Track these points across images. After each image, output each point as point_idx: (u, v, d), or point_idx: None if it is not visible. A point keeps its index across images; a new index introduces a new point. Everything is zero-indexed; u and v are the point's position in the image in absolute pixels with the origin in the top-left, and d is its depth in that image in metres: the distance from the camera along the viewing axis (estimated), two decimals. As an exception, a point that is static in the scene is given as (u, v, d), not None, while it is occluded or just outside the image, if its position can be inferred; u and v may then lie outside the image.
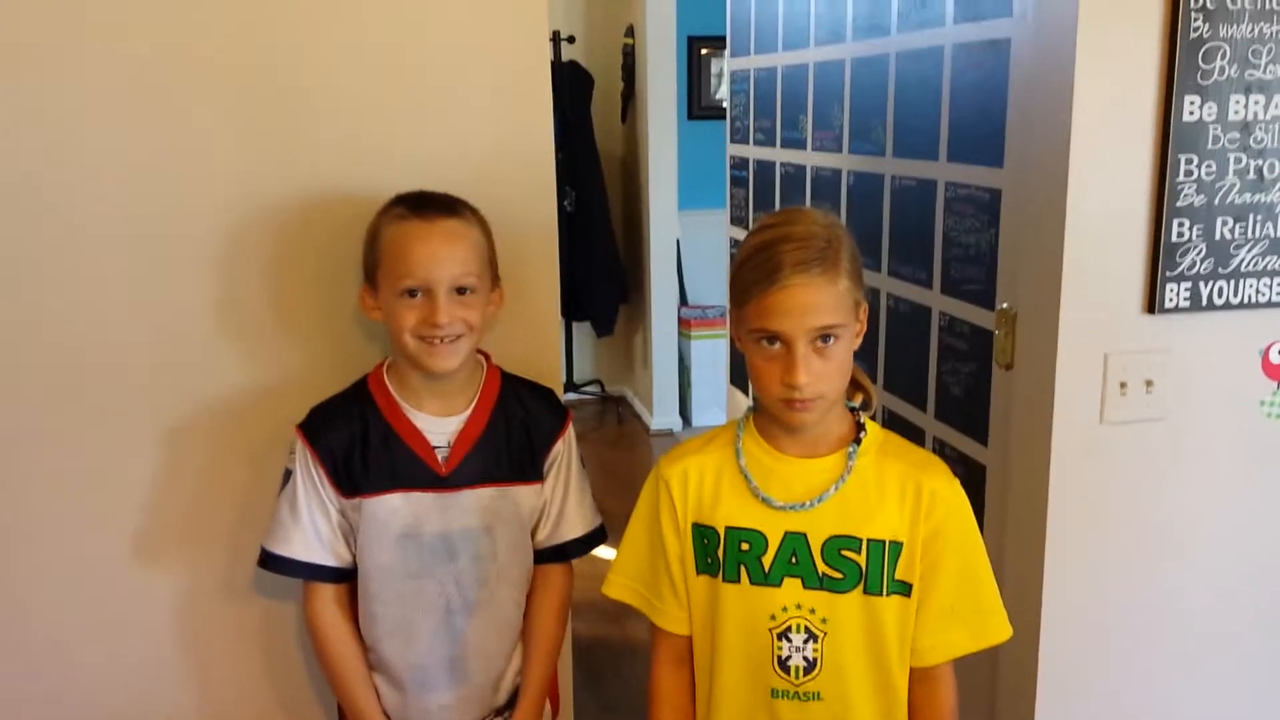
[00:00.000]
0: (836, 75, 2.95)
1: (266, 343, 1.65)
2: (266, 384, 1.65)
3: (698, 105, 5.68)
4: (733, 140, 3.88)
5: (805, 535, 1.37)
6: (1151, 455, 1.88)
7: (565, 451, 1.61)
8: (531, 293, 1.75)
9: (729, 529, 1.39)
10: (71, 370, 1.60)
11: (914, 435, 2.56)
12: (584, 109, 5.10)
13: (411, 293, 1.44)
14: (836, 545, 1.37)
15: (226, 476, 1.67)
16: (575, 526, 1.62)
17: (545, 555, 1.62)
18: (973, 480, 2.27)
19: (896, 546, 1.37)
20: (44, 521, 1.64)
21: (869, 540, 1.37)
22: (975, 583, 1.41)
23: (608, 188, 5.26)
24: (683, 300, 5.40)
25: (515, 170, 1.69)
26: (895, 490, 1.38)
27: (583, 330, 5.43)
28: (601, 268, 5.11)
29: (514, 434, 1.56)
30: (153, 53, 1.55)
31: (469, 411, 1.54)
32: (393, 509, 1.51)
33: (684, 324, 5.25)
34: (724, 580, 1.40)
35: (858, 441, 1.40)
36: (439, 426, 1.53)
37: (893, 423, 2.70)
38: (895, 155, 2.66)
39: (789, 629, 1.38)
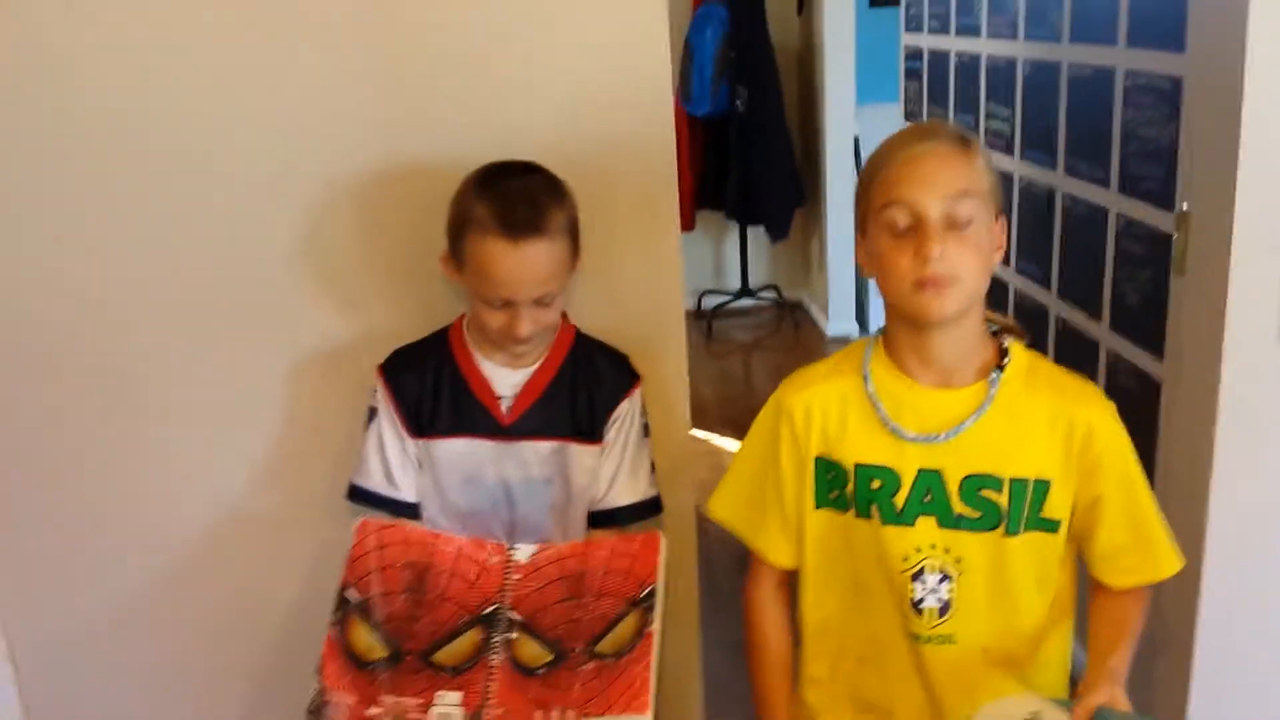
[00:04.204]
0: (1010, -46, 2.72)
1: (367, 289, 1.69)
2: (364, 330, 1.69)
3: (881, -9, 5.37)
4: (908, 29, 3.66)
5: (940, 473, 1.27)
6: (1342, 375, 1.68)
7: (628, 416, 1.58)
8: (649, 206, 1.69)
9: (859, 466, 1.30)
10: (198, 308, 1.69)
11: (1087, 348, 2.40)
12: (758, 3, 4.91)
13: (495, 301, 1.45)
14: (975, 484, 1.27)
15: (332, 412, 1.72)
16: (626, 493, 1.58)
17: (596, 520, 1.59)
18: (1146, 397, 2.10)
19: (1043, 485, 1.26)
20: (172, 446, 1.74)
21: (1012, 479, 1.26)
22: (1140, 518, 1.29)
23: (784, 84, 5.08)
24: (862, 200, 5.20)
25: (629, 80, 1.63)
26: (1045, 423, 1.27)
27: (757, 234, 5.32)
28: (775, 169, 4.96)
29: (579, 393, 1.56)
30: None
31: (537, 366, 1.55)
32: (457, 452, 1.55)
33: (863, 225, 5.07)
34: (856, 517, 1.32)
35: (1000, 368, 1.28)
36: (506, 377, 1.55)
37: (1065, 334, 2.53)
38: (1072, 41, 2.43)
39: (922, 569, 1.29)
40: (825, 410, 1.33)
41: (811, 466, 1.34)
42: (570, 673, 1.41)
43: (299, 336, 1.70)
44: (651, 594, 1.44)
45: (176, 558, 1.77)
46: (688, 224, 5.27)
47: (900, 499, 1.29)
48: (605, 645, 1.44)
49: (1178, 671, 1.91)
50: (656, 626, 1.42)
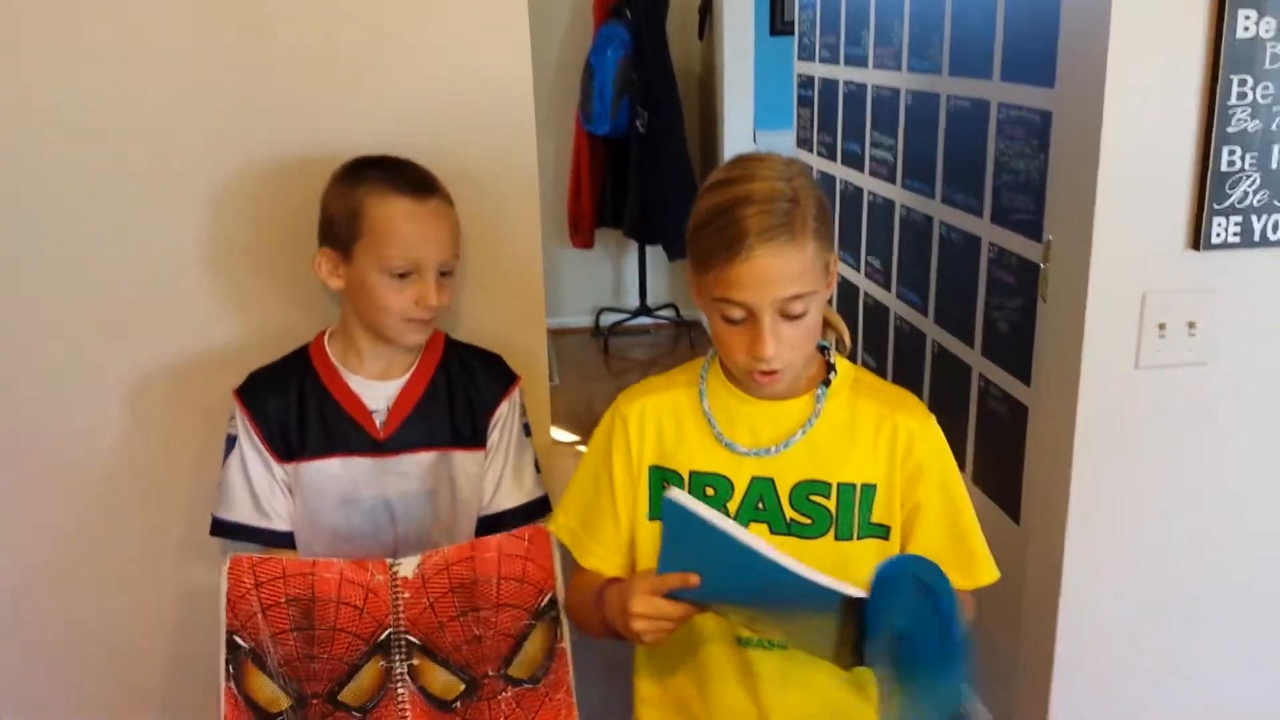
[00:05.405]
0: (895, -13, 2.79)
1: (240, 300, 1.64)
2: (237, 342, 1.64)
3: (781, 19, 5.46)
4: (800, 57, 3.73)
5: (772, 480, 1.30)
6: (1193, 403, 1.75)
7: (508, 418, 1.55)
8: (510, 215, 1.67)
9: (693, 473, 1.32)
10: (41, 321, 1.62)
11: (961, 372, 2.45)
12: (659, 27, 4.95)
13: (401, 274, 1.40)
14: (805, 490, 1.30)
15: (187, 434, 1.66)
16: (511, 496, 1.55)
17: (483, 526, 1.54)
18: (1015, 421, 2.16)
19: (870, 489, 1.30)
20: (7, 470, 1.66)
21: (839, 484, 1.30)
22: (959, 526, 1.32)
23: (684, 107, 5.12)
24: (760, 223, 5.26)
25: (491, 107, 1.62)
26: (869, 431, 1.31)
27: (656, 254, 5.35)
28: (675, 190, 4.99)
29: (456, 399, 1.52)
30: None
31: (408, 375, 1.51)
32: (331, 474, 1.49)
33: (760, 248, 5.13)
34: None
35: (826, 383, 1.32)
36: (377, 390, 1.50)
37: (940, 359, 2.59)
38: (951, 74, 2.50)
39: None
40: (659, 419, 1.34)
41: (645, 476, 1.35)
42: (489, 704, 1.39)
43: (164, 344, 1.64)
44: (553, 602, 1.42)
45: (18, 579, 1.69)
46: (587, 242, 5.27)
47: (733, 505, 1.31)
48: (518, 669, 1.41)
49: (1039, 679, 1.97)
50: (567, 643, 1.40)
